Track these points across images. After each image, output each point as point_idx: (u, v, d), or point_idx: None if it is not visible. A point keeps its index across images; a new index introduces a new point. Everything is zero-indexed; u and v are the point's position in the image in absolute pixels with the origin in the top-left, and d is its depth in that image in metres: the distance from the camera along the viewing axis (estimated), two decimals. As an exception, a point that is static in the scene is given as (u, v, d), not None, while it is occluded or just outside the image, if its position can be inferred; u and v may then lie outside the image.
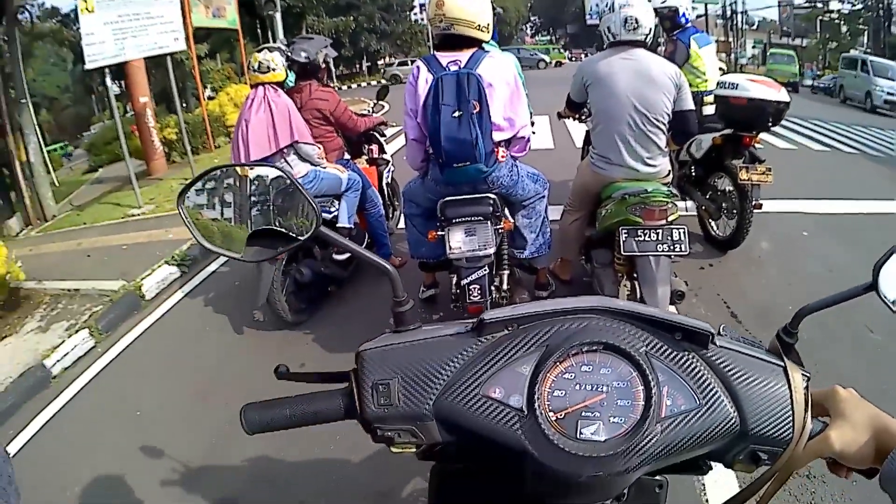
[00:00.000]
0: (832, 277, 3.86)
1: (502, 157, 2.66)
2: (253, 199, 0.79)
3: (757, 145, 4.00)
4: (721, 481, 2.21)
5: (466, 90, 2.45)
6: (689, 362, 0.69)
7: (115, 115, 6.96)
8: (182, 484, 2.36)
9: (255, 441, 2.50)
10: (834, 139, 10.20)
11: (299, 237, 0.76)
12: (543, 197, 3.05)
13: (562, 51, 36.19)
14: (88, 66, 6.25)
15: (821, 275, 3.96)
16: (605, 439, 0.64)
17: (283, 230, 0.77)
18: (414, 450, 0.73)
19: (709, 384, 0.68)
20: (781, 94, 3.85)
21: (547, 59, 34.22)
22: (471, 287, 2.60)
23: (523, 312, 0.72)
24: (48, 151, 22.04)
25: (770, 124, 3.99)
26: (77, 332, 3.72)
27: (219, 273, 4.61)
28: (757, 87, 3.85)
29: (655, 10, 3.98)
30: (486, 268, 2.64)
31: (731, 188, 4.00)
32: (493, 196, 2.68)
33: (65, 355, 3.54)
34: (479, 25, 2.53)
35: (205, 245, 0.77)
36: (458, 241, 2.62)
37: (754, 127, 3.96)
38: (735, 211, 4.00)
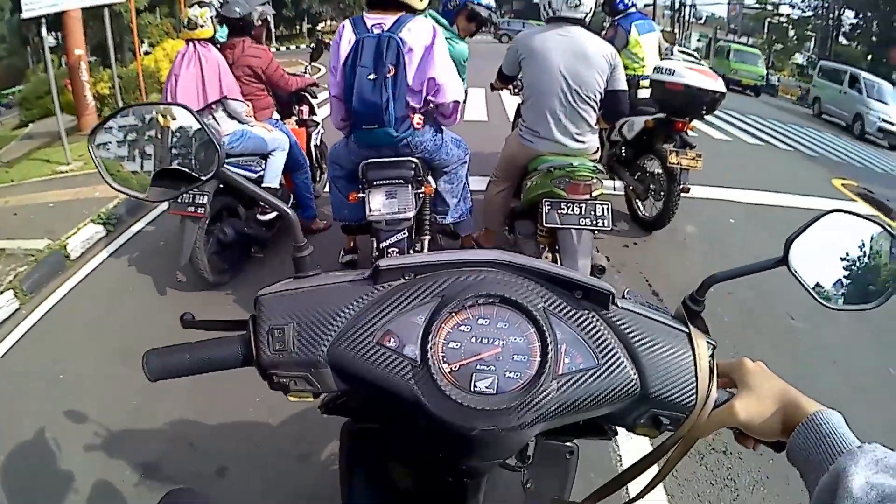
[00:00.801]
0: (755, 265, 4.04)
1: (418, 123, 2.64)
2: (160, 138, 0.77)
3: (689, 132, 4.12)
4: (639, 449, 2.27)
5: (384, 53, 2.43)
6: (588, 322, 0.68)
7: (49, 67, 6.50)
8: (105, 448, 2.32)
9: (177, 404, 2.55)
10: (770, 135, 10.55)
11: (202, 177, 0.74)
12: (465, 162, 3.07)
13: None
14: (25, 14, 5.86)
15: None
16: (499, 393, 0.63)
17: (186, 169, 0.75)
18: (311, 399, 0.71)
19: (608, 344, 0.68)
20: (718, 84, 3.96)
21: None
22: (389, 250, 2.61)
23: (419, 262, 0.71)
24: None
25: (704, 112, 4.12)
26: (1, 293, 3.53)
27: (144, 232, 4.47)
28: (693, 76, 3.95)
29: None
30: (406, 231, 2.64)
31: (660, 171, 4.11)
32: (415, 160, 2.68)
33: (-11, 318, 3.36)
34: None
35: (110, 184, 0.74)
36: (378, 204, 2.61)
37: (688, 113, 4.07)
38: (662, 193, 4.13)
